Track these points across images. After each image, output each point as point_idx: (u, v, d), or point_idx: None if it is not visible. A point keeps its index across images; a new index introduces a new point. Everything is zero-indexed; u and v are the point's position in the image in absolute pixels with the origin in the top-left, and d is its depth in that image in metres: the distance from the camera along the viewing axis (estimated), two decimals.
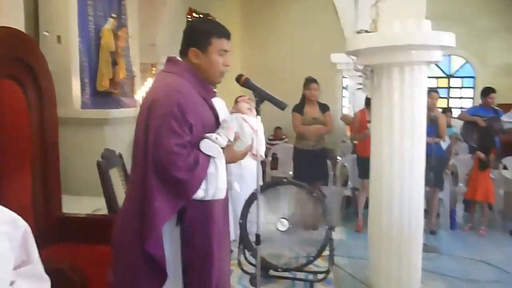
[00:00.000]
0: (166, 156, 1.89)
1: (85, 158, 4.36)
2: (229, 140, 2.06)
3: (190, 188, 1.93)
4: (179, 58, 2.15)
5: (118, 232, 2.08)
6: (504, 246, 4.96)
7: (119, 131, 5.09)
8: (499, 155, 5.89)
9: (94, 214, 3.41)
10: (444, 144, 5.45)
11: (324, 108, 5.48)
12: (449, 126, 6.06)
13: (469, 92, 9.67)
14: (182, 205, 1.97)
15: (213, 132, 2.06)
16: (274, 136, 8.76)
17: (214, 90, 2.25)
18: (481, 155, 5.35)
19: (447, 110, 6.32)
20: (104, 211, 3.39)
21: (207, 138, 2.00)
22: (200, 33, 2.11)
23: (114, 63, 5.35)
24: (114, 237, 2.09)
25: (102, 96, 5.28)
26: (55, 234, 2.74)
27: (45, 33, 4.60)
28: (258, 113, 2.17)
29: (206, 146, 1.98)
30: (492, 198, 5.36)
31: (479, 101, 6.78)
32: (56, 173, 2.81)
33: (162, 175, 1.91)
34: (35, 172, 2.66)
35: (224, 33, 2.12)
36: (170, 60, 2.17)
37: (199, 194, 1.95)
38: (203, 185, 1.94)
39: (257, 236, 2.29)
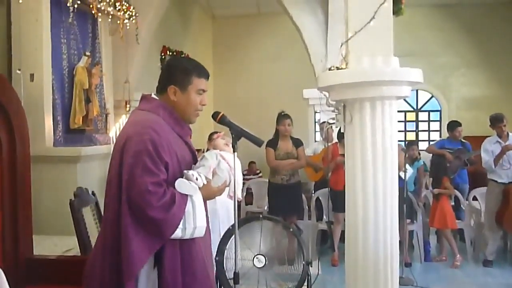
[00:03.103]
0: (141, 196, 1.84)
1: (57, 196, 4.26)
2: (208, 178, 2.04)
3: (167, 228, 1.87)
4: (153, 95, 2.14)
5: (88, 271, 2.01)
6: (477, 277, 5.00)
7: (92, 168, 5.00)
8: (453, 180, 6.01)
9: (65, 256, 3.30)
10: (407, 174, 5.54)
11: (297, 143, 5.52)
12: (415, 159, 6.16)
13: (436, 125, 9.92)
14: (159, 245, 1.91)
15: (189, 169, 2.04)
16: (248, 171, 8.75)
17: (190, 127, 2.23)
18: (434, 191, 5.60)
19: (412, 143, 6.45)
20: (76, 250, 3.29)
21: (186, 175, 1.97)
22: (181, 71, 2.11)
23: (88, 100, 5.31)
24: (84, 275, 2.02)
25: (75, 133, 5.20)
26: (26, 276, 2.64)
27: (17, 71, 4.55)
28: (234, 150, 2.16)
29: (181, 184, 1.94)
30: (450, 225, 5.46)
31: (445, 133, 6.95)
32: (27, 212, 2.73)
33: (138, 215, 1.86)
34: (5, 211, 2.58)
35: (204, 73, 2.14)
36: (144, 97, 2.16)
37: (177, 233, 1.90)
38: (180, 224, 1.90)
39: (236, 275, 2.24)
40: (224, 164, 2.14)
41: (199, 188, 1.99)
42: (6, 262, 2.53)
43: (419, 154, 6.66)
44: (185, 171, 1.98)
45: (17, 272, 2.59)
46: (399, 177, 5.24)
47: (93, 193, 3.65)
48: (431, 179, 6.21)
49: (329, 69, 3.37)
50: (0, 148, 2.56)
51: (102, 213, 3.47)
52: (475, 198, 5.98)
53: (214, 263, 3.76)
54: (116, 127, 5.52)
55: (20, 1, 4.43)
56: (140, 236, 1.86)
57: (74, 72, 5.18)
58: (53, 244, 3.84)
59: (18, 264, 2.62)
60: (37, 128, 4.53)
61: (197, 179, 1.97)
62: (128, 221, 1.86)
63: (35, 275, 2.65)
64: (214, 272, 2.32)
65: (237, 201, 2.20)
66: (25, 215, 2.70)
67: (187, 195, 1.94)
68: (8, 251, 2.57)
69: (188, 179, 1.96)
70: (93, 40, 5.68)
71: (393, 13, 3.10)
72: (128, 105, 6.38)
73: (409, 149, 5.89)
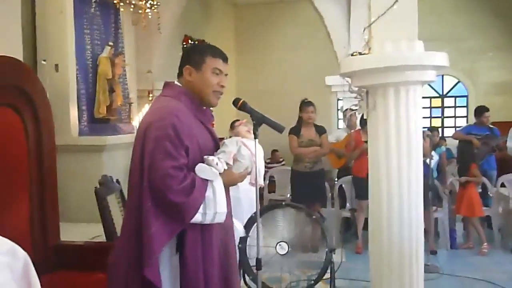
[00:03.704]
0: (161, 179, 1.86)
1: (83, 185, 4.33)
2: (229, 164, 2.04)
3: (187, 211, 1.89)
4: (176, 83, 2.16)
5: (114, 258, 2.04)
6: (505, 264, 4.91)
7: (117, 157, 5.07)
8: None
9: (91, 242, 3.37)
10: (433, 162, 5.46)
11: (320, 130, 5.48)
12: (437, 145, 6.08)
13: (463, 111, 9.71)
14: (179, 229, 1.93)
15: (211, 155, 2.05)
16: (271, 159, 8.74)
17: (212, 114, 2.24)
18: (462, 179, 5.51)
19: (433, 130, 6.34)
20: (102, 238, 3.35)
21: (207, 161, 1.97)
22: (195, 51, 2.15)
23: (111, 90, 5.36)
24: (110, 262, 2.05)
25: (100, 123, 5.27)
26: (53, 263, 2.69)
27: (42, 61, 4.62)
28: (256, 137, 2.15)
29: (201, 169, 1.95)
30: (477, 212, 5.36)
31: (472, 119, 6.81)
32: (54, 201, 2.78)
33: (158, 199, 1.88)
34: (33, 200, 2.63)
35: (219, 54, 2.13)
36: (167, 84, 2.18)
37: (197, 218, 1.91)
38: (201, 209, 1.91)
39: (258, 261, 2.25)
40: (245, 150, 2.13)
41: (220, 174, 1.99)
42: (34, 248, 2.59)
43: (445, 140, 6.55)
44: (205, 157, 1.98)
45: (45, 258, 2.65)
46: (425, 163, 5.19)
47: (118, 181, 3.70)
48: (457, 166, 6.11)
49: (352, 55, 3.32)
50: (27, 138, 2.61)
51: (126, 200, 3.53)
52: (503, 185, 5.86)
53: (237, 251, 3.79)
54: (139, 116, 5.57)
55: None
56: (160, 221, 1.87)
57: (97, 62, 5.23)
58: (80, 231, 3.92)
59: (47, 251, 2.68)
60: (63, 118, 4.61)
61: (217, 164, 1.97)
62: (149, 205, 1.88)
63: (63, 261, 2.71)
64: (237, 259, 2.32)
65: (259, 187, 2.20)
66: (52, 203, 2.76)
67: (207, 180, 1.95)
68: (36, 238, 2.63)
69: (208, 164, 1.97)
70: (115, 30, 5.73)
71: None
72: (151, 95, 6.44)
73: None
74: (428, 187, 5.36)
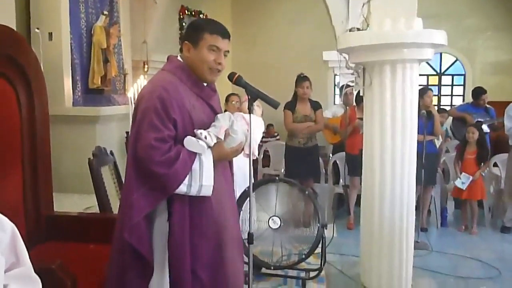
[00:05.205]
0: (144, 150, 1.92)
1: (76, 156, 4.34)
2: (219, 138, 2.05)
3: (169, 182, 1.93)
4: (178, 57, 2.18)
5: (115, 227, 2.09)
6: (494, 243, 4.98)
7: (111, 129, 5.06)
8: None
9: (85, 213, 3.38)
10: (438, 142, 5.47)
11: (315, 106, 5.47)
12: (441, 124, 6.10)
13: (460, 90, 9.71)
14: (161, 199, 1.98)
15: None
16: (266, 133, 8.76)
17: (212, 88, 2.24)
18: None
19: (442, 111, 6.35)
20: (95, 209, 3.37)
21: (196, 134, 1.99)
22: (194, 27, 2.15)
23: (106, 61, 5.32)
24: (115, 236, 2.10)
25: (94, 94, 5.24)
26: (46, 233, 2.71)
27: (36, 30, 4.56)
28: (250, 111, 2.15)
29: (188, 142, 1.98)
30: (480, 195, 5.34)
31: (469, 98, 6.81)
32: (47, 171, 2.78)
33: (140, 168, 1.94)
34: (26, 170, 2.63)
35: (218, 31, 2.11)
36: (168, 58, 2.22)
37: (182, 189, 1.96)
38: (186, 181, 1.95)
39: (250, 235, 2.27)
40: (238, 125, 2.13)
41: (210, 147, 2.02)
42: (27, 219, 2.60)
43: (447, 114, 6.53)
44: (195, 130, 2.01)
45: (38, 229, 2.67)
46: (432, 143, 5.20)
47: (112, 153, 3.70)
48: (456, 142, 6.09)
49: (350, 30, 3.30)
50: (19, 108, 2.58)
51: (120, 172, 3.54)
52: (495, 165, 5.90)
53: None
54: (134, 87, 5.53)
55: None
56: (142, 189, 1.94)
57: (92, 32, 5.17)
58: (73, 202, 3.94)
59: (39, 221, 2.69)
60: (56, 88, 4.58)
61: (205, 137, 1.99)
62: (132, 173, 1.97)
63: (56, 232, 2.72)
64: (238, 237, 2.36)
65: (253, 159, 2.22)
66: (45, 174, 2.76)
67: (195, 153, 1.98)
68: (29, 209, 2.64)
69: (197, 137, 1.99)
70: None
71: None
72: (146, 66, 6.38)
73: (422, 97, 5.46)
74: (436, 168, 5.38)
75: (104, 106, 5.15)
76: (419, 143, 3.39)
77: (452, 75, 9.75)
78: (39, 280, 1.42)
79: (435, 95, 9.58)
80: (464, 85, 9.58)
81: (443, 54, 9.55)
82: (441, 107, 7.92)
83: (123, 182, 2.12)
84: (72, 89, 4.91)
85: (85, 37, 5.16)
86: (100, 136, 4.82)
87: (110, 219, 2.53)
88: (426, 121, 4.73)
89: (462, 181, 5.24)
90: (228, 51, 2.14)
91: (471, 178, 5.19)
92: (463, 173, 5.25)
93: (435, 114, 5.23)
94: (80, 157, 3.60)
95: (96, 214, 3.22)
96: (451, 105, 9.42)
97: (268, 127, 8.78)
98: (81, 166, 3.46)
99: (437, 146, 5.48)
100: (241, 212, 3.74)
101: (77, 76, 5.00)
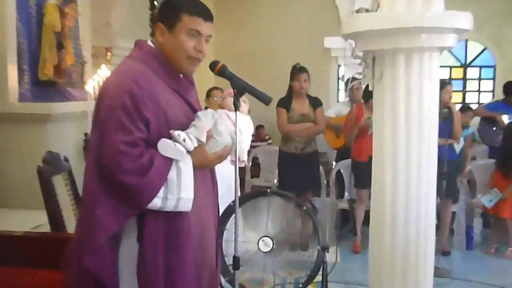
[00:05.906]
0: (111, 156, 1.88)
1: (23, 163, 4.30)
2: (200, 141, 2.04)
3: (141, 195, 1.90)
4: (149, 42, 2.15)
5: (68, 248, 2.07)
6: None
7: (65, 129, 5.04)
8: None
9: (33, 232, 3.36)
10: (457, 147, 5.50)
11: (315, 102, 5.49)
12: (466, 126, 6.14)
13: (489, 85, 9.78)
14: (132, 216, 1.95)
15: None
16: (256, 136, 8.75)
17: (190, 80, 2.23)
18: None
19: (467, 109, 6.39)
20: (46, 227, 3.35)
21: (173, 136, 1.97)
22: (170, 6, 2.10)
23: (60, 46, 5.28)
24: (64, 253, 2.08)
25: (45, 87, 5.21)
26: None
27: None
28: (236, 108, 2.15)
29: (164, 146, 1.96)
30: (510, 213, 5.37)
31: (499, 94, 6.87)
32: None
33: (107, 178, 1.90)
34: None
35: (199, 12, 2.08)
36: (136, 43, 2.18)
37: (156, 203, 1.93)
38: (160, 193, 1.92)
39: (236, 259, 2.27)
40: (223, 125, 2.13)
41: (189, 152, 2.00)
42: None
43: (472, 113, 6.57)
44: (171, 131, 1.98)
45: None
46: (451, 148, 5.24)
47: (66, 159, 3.68)
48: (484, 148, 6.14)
49: (357, 12, 3.32)
50: None
51: (77, 183, 3.52)
52: None
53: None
54: (94, 79, 5.52)
55: None
56: (108, 204, 1.90)
57: (43, 11, 5.14)
58: (19, 219, 3.91)
59: None
60: None
61: (184, 140, 1.97)
62: (94, 184, 1.91)
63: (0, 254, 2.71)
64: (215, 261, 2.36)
65: (241, 166, 2.21)
66: None
67: (172, 159, 1.96)
68: None
69: (174, 140, 1.97)
70: None
71: None
72: (109, 53, 6.36)
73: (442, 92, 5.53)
74: (455, 178, 5.42)
75: (58, 102, 5.11)
76: (438, 147, 3.40)
77: (480, 67, 9.84)
78: None
79: (458, 91, 9.68)
80: (494, 79, 9.67)
81: (469, 42, 9.63)
82: (466, 105, 7.98)
83: (81, 194, 2.10)
84: (19, 81, 4.87)
85: (35, 18, 5.12)
86: (52, 138, 4.79)
87: (63, 239, 2.51)
88: (444, 121, 4.77)
89: (489, 198, 5.27)
90: (210, 36, 2.13)
91: (500, 195, 5.23)
92: (494, 189, 5.28)
93: (455, 113, 5.27)
94: (28, 163, 3.58)
95: (46, 233, 3.20)
96: (478, 103, 9.51)
97: (258, 129, 8.78)
98: (29, 175, 3.43)
99: (457, 151, 5.52)
100: (225, 232, 3.75)
101: (24, 65, 4.96)
